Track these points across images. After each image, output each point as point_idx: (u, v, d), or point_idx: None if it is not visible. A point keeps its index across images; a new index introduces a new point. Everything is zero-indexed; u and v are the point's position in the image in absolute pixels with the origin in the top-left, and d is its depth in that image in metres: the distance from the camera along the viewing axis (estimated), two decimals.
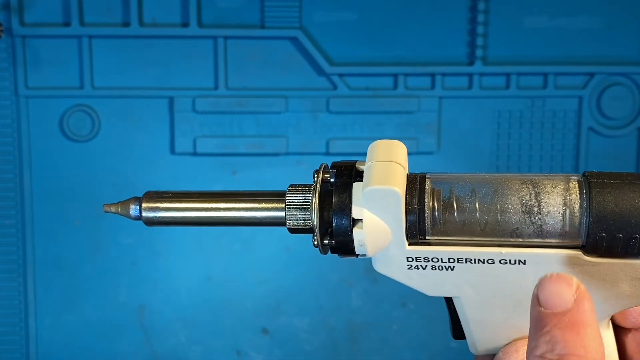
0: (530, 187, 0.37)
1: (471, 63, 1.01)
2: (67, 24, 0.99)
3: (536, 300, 0.33)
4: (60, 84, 1.00)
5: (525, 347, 0.38)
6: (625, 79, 1.02)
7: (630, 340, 0.41)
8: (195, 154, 1.02)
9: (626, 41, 1.02)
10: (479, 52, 1.00)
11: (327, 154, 1.03)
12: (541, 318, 0.33)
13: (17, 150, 1.01)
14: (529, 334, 0.34)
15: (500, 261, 0.37)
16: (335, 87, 1.02)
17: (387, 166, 0.37)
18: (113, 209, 0.41)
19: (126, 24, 1.00)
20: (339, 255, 0.39)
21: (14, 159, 1.01)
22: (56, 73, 1.00)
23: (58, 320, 1.04)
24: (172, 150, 1.03)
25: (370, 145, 0.39)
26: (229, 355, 1.07)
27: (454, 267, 0.37)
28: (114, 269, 1.04)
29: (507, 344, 0.39)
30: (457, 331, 0.40)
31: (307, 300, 1.06)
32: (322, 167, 0.39)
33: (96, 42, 1.00)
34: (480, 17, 1.00)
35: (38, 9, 0.99)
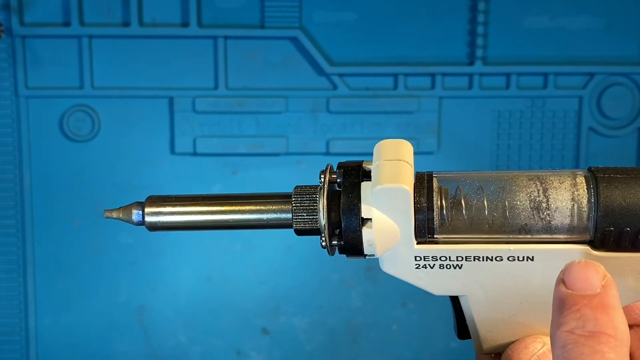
0: (537, 183, 0.37)
1: (471, 63, 1.01)
2: (67, 24, 0.99)
3: (561, 282, 0.34)
4: (60, 84, 1.00)
5: (535, 344, 0.38)
6: (625, 79, 1.02)
7: (632, 336, 0.41)
8: (195, 154, 1.02)
9: (626, 41, 1.02)
10: (479, 52, 1.00)
11: (327, 154, 1.03)
12: (569, 298, 0.34)
13: (17, 150, 1.01)
14: (552, 312, 0.34)
15: (508, 258, 0.37)
16: (335, 87, 1.02)
17: (396, 165, 0.37)
18: (114, 214, 0.40)
19: (126, 24, 1.00)
20: (347, 256, 0.39)
21: (14, 159, 1.01)
22: (56, 73, 1.00)
23: (58, 320, 1.04)
24: (172, 150, 1.03)
25: (377, 145, 0.39)
26: (229, 355, 1.07)
27: (462, 265, 0.37)
28: (114, 269, 1.04)
29: (516, 340, 0.39)
30: (462, 331, 0.40)
31: (307, 300, 1.06)
32: (329, 167, 0.39)
33: (96, 42, 1.00)
34: (480, 17, 1.00)
35: (38, 9, 0.99)
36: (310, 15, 1.01)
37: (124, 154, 1.02)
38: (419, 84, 1.02)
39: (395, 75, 1.02)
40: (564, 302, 0.34)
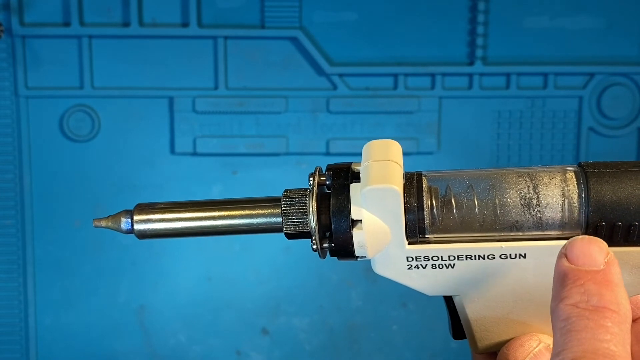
0: (527, 180, 0.37)
1: (471, 63, 1.01)
2: (67, 24, 0.99)
3: (564, 257, 0.34)
4: (60, 84, 1.00)
5: (531, 342, 0.38)
6: (625, 79, 1.02)
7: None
8: (195, 154, 1.02)
9: (626, 41, 1.02)
10: (479, 52, 1.00)
11: (327, 154, 1.03)
12: (572, 272, 0.34)
13: (17, 150, 1.01)
14: (554, 286, 0.34)
15: (500, 256, 0.37)
16: (335, 87, 1.02)
17: (385, 165, 0.37)
18: (103, 223, 0.39)
19: (126, 24, 1.00)
20: (338, 259, 0.38)
21: (14, 159, 1.01)
22: (56, 73, 1.00)
23: (58, 320, 1.04)
24: (172, 150, 1.03)
25: (365, 146, 0.39)
26: (229, 355, 1.07)
27: (454, 264, 0.37)
28: (114, 269, 1.04)
29: (511, 339, 0.39)
30: (457, 331, 0.40)
31: (307, 300, 1.06)
32: (317, 170, 0.38)
33: (96, 42, 1.00)
34: (480, 17, 1.00)
35: (38, 9, 0.99)
36: (310, 15, 1.01)
37: (124, 154, 1.02)
38: (419, 84, 1.02)
39: (395, 75, 1.01)
40: (567, 276, 0.34)
